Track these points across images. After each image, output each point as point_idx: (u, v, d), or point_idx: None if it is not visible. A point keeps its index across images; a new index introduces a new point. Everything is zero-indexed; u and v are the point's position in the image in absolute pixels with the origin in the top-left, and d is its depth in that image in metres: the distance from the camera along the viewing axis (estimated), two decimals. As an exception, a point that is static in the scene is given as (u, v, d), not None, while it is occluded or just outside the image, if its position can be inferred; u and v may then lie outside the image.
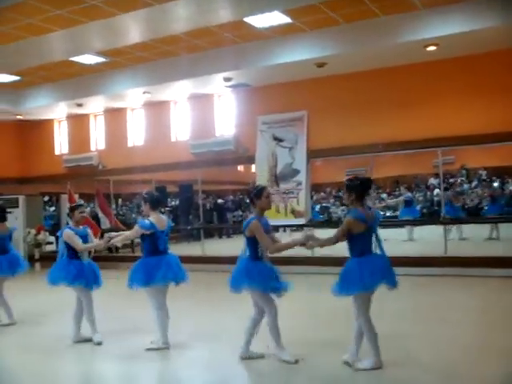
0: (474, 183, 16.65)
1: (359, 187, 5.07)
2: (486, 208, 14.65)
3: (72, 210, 6.69)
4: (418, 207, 15.97)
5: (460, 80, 10.75)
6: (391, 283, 5.06)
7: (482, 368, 5.08)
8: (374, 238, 5.10)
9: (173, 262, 6.08)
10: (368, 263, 4.98)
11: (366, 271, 4.91)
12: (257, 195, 5.35)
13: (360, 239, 5.01)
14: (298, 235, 12.40)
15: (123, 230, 14.40)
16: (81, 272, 6.43)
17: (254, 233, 5.23)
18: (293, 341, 5.67)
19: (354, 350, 5.14)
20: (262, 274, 5.28)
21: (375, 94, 11.47)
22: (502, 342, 5.86)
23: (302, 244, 5.18)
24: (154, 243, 5.99)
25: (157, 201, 6.15)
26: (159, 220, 6.05)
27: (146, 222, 5.96)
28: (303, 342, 6.01)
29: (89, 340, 6.46)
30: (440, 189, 12.91)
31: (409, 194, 15.27)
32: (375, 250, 5.12)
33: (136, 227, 6.01)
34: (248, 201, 5.57)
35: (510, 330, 6.38)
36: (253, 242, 5.29)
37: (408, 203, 14.98)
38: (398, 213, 15.40)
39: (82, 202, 7.05)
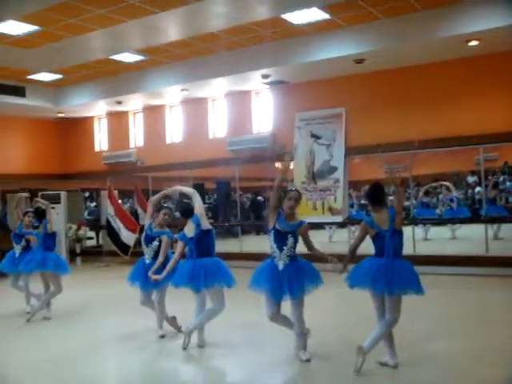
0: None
1: (366, 196, 5.32)
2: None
3: (158, 210, 6.71)
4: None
5: (503, 76, 10.49)
6: (378, 289, 4.94)
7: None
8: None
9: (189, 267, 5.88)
10: (365, 264, 5.08)
11: (359, 270, 5.07)
12: None
13: (373, 242, 5.13)
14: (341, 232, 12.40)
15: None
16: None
17: None
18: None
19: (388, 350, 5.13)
20: None
21: (415, 90, 11.30)
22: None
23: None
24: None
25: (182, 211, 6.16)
26: (188, 227, 6.00)
27: (181, 233, 6.02)
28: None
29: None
30: (481, 186, 12.62)
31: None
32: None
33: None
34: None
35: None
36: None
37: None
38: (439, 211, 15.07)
39: (169, 204, 6.98)
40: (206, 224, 5.95)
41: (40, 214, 8.00)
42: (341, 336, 6.32)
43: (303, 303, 5.35)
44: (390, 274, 4.89)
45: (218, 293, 5.88)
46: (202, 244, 5.93)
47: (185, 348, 5.85)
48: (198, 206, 6.02)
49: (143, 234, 6.73)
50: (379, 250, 5.05)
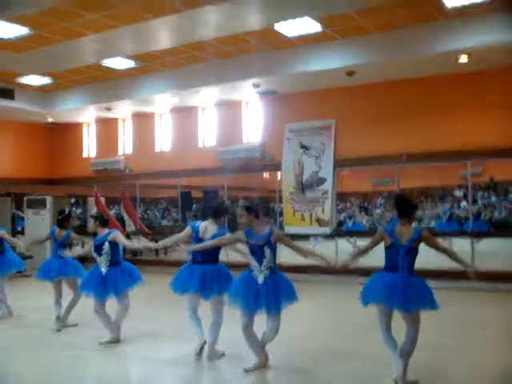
0: (502, 196, 16.37)
1: (394, 204, 5.12)
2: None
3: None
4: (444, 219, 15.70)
5: (491, 92, 10.58)
6: (394, 305, 4.84)
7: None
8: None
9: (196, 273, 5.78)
10: (378, 280, 4.95)
11: (373, 286, 4.96)
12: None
13: (386, 252, 5.01)
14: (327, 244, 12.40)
15: (147, 233, 14.72)
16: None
17: None
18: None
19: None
20: None
21: (405, 104, 11.39)
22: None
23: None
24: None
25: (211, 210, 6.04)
26: (204, 227, 5.90)
27: (196, 224, 5.96)
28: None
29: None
30: (467, 201, 12.73)
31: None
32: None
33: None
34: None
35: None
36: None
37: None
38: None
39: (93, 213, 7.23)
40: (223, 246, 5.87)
41: (60, 221, 7.79)
42: (323, 348, 6.30)
43: (280, 316, 5.31)
44: (407, 291, 4.78)
45: (222, 302, 5.80)
46: (210, 250, 5.82)
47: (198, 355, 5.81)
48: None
49: (92, 247, 6.77)
50: (391, 262, 4.94)
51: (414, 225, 5.03)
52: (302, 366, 5.57)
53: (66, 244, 7.85)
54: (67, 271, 7.60)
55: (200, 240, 5.80)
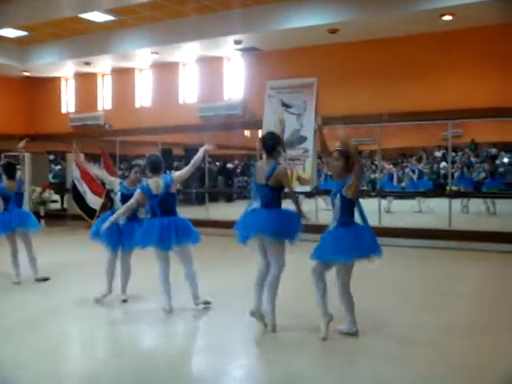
0: (482, 158, 16.52)
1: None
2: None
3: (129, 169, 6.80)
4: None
5: (474, 52, 10.55)
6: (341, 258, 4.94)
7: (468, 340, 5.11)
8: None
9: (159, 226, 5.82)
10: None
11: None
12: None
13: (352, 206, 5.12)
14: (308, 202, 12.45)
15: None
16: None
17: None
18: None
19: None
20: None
21: (387, 63, 11.30)
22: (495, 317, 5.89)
23: None
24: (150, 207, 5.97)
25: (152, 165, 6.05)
26: (155, 185, 5.91)
27: (145, 185, 5.94)
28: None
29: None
30: (447, 162, 12.82)
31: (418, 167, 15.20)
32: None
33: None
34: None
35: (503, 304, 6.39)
36: None
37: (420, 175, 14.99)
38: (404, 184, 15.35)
39: (139, 162, 6.93)
40: (173, 189, 5.94)
41: (11, 170, 7.65)
42: (307, 306, 6.39)
43: (279, 260, 5.26)
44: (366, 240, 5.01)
45: (189, 252, 5.92)
46: (168, 203, 5.90)
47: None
48: (183, 171, 6.02)
49: (118, 194, 6.61)
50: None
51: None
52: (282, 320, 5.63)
53: (23, 192, 7.77)
54: (20, 222, 7.51)
55: (155, 196, 5.85)
